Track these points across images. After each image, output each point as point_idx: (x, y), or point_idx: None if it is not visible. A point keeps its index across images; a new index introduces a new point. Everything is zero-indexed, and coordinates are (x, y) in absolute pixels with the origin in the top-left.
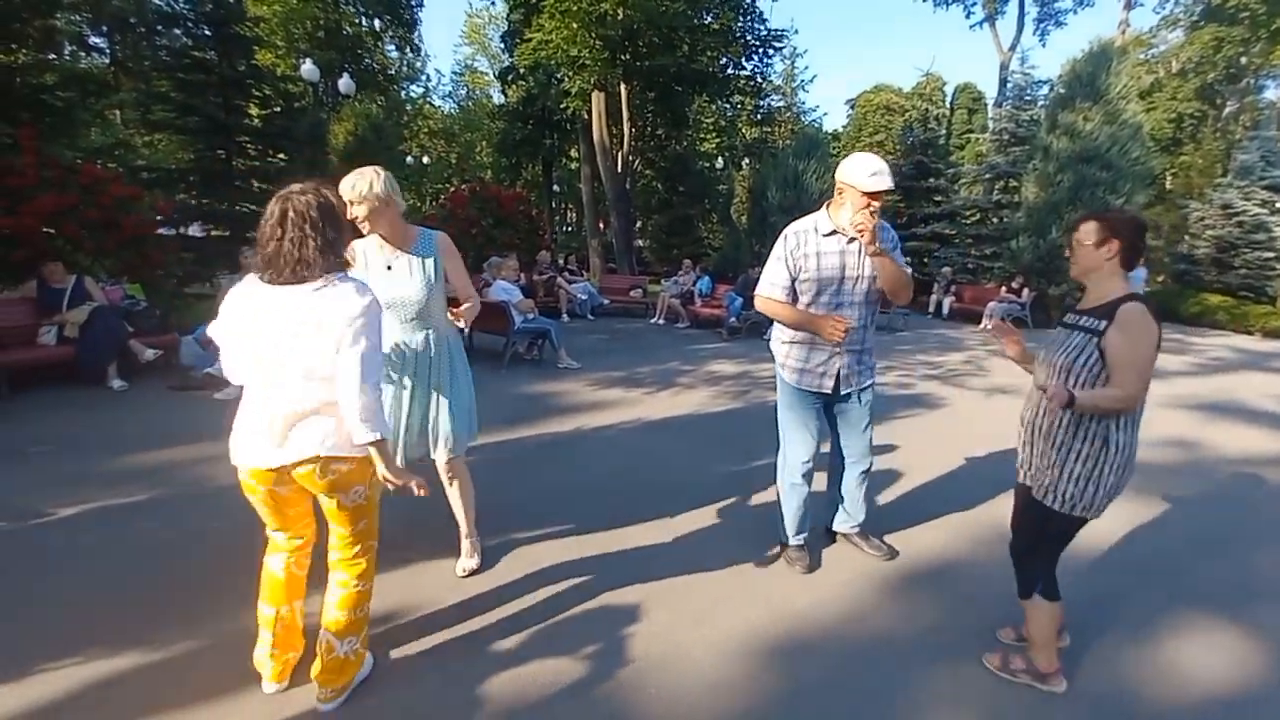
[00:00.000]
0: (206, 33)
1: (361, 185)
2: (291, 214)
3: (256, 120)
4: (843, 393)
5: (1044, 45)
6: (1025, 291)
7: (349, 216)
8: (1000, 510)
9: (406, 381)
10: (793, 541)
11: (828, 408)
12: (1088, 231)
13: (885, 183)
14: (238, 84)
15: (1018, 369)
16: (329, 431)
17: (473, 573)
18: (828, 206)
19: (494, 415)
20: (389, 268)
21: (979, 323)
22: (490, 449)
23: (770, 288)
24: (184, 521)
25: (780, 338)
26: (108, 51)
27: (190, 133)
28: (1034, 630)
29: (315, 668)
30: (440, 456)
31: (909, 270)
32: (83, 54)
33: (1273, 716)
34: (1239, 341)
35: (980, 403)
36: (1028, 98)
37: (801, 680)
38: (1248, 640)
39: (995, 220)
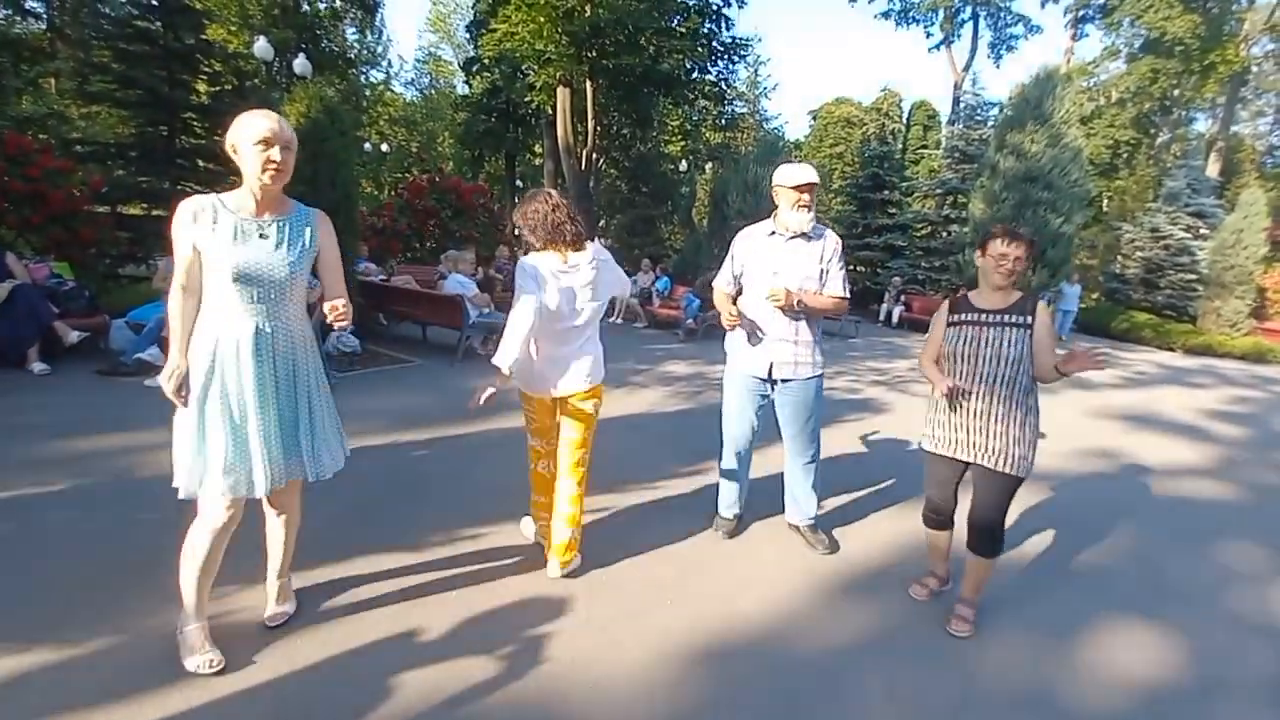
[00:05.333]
0: (153, 2)
1: (288, 127)
2: (558, 203)
3: (204, 97)
4: (781, 379)
5: (998, 68)
6: None
7: (270, 160)
8: None
9: (257, 388)
10: (722, 513)
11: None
12: (1021, 248)
13: (807, 175)
14: (184, 58)
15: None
16: (596, 364)
17: (287, 620)
18: (773, 215)
19: (445, 409)
20: (262, 235)
21: (926, 332)
22: (434, 443)
23: (721, 281)
24: (106, 512)
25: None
26: (45, 16)
27: (131, 106)
28: (985, 578)
29: (556, 548)
30: (301, 478)
31: (838, 293)
32: (17, 17)
33: (1184, 713)
34: (1162, 357)
35: (922, 409)
36: (978, 118)
37: (736, 680)
38: (1161, 639)
39: (944, 234)
